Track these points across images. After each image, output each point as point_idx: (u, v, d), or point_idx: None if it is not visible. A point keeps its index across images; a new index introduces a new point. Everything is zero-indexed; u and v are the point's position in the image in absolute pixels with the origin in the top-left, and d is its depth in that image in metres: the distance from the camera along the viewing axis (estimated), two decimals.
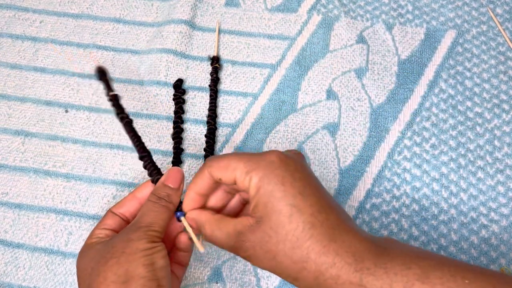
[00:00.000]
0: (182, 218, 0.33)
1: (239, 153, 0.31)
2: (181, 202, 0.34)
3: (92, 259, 0.30)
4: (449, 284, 0.25)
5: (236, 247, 0.29)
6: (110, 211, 0.35)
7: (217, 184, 0.32)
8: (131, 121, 0.36)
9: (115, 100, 0.36)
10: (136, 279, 0.28)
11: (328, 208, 0.28)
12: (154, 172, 0.35)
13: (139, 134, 0.36)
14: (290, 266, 0.27)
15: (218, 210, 0.34)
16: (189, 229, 0.32)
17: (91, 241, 0.33)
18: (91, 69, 0.48)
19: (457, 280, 0.25)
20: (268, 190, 0.28)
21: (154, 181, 0.34)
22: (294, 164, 0.29)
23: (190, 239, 0.33)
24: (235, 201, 0.34)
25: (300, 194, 0.28)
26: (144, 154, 0.35)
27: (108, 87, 0.37)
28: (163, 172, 0.35)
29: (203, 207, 0.33)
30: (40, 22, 0.51)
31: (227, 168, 0.30)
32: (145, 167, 0.35)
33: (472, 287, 0.25)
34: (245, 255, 0.29)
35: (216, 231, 0.30)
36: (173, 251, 0.35)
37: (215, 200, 0.33)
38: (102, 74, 0.37)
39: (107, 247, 0.30)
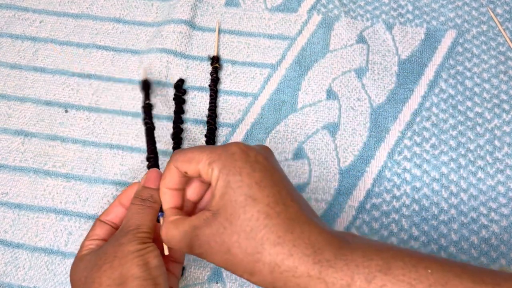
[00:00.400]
0: (161, 219, 0.33)
1: (203, 146, 0.31)
2: None
3: (85, 268, 0.31)
4: (410, 274, 0.24)
5: (191, 244, 0.29)
6: (98, 219, 0.35)
7: (186, 177, 0.32)
8: (153, 128, 0.41)
9: (148, 108, 0.42)
10: (131, 280, 0.28)
11: (288, 199, 0.27)
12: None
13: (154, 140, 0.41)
14: (244, 258, 0.26)
15: (196, 202, 0.33)
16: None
17: (81, 253, 0.33)
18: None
19: (419, 270, 0.24)
20: (226, 181, 0.27)
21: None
22: (255, 155, 0.29)
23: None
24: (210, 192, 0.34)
25: (256, 184, 0.27)
26: (151, 156, 0.38)
27: (147, 97, 0.43)
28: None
29: (181, 202, 0.33)
30: (40, 22, 0.51)
31: (191, 161, 0.29)
32: (148, 167, 0.38)
33: (435, 277, 0.24)
34: (200, 251, 0.29)
35: (171, 230, 0.30)
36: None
37: (191, 192, 0.33)
38: (146, 86, 0.44)
39: (99, 254, 0.31)
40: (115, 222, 0.35)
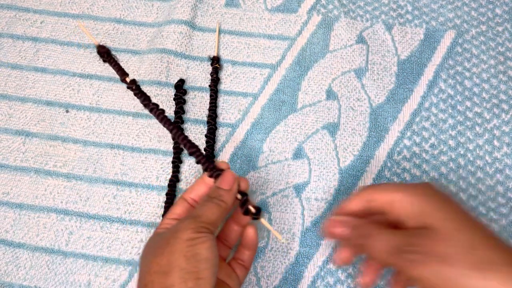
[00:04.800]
0: (262, 220, 0.34)
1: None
2: (258, 208, 0.35)
3: (150, 248, 0.31)
4: None
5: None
6: (181, 197, 0.36)
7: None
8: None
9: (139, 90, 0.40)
10: (175, 270, 0.28)
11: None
12: (207, 165, 0.35)
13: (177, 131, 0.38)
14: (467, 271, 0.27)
15: None
16: (267, 224, 0.34)
17: (157, 231, 0.34)
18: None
19: None
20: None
21: (211, 176, 0.35)
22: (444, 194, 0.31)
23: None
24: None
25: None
26: (193, 150, 0.36)
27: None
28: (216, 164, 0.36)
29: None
30: (41, 23, 0.51)
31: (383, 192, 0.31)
32: (197, 162, 0.36)
33: None
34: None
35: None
36: (238, 249, 0.36)
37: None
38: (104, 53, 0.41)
39: (161, 237, 0.31)
40: (196, 200, 0.35)
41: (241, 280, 0.36)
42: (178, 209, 0.35)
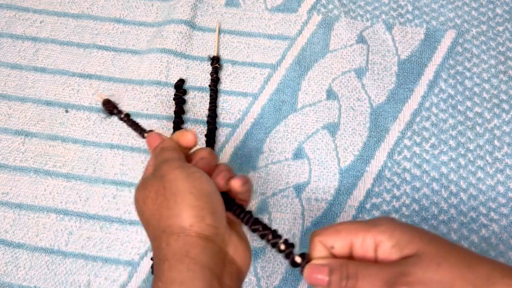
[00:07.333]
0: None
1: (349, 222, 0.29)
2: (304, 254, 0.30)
3: (147, 198, 0.30)
4: None
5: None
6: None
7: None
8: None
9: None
10: (187, 210, 0.28)
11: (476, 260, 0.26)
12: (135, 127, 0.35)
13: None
14: None
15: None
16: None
17: (144, 176, 0.32)
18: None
19: None
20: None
21: (142, 137, 0.35)
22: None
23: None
24: None
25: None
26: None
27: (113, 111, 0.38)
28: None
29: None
30: (41, 22, 0.51)
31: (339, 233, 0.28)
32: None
33: None
34: None
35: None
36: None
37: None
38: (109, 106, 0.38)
39: (152, 183, 0.30)
40: None
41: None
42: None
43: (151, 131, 0.35)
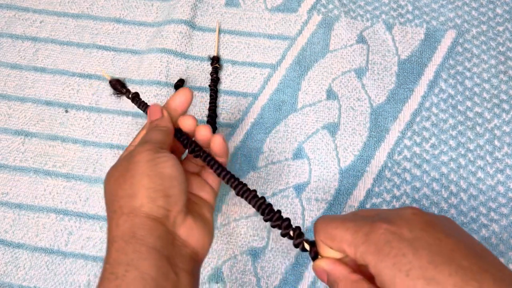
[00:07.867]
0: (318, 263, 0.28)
1: (347, 219, 0.27)
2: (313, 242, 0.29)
3: (112, 176, 0.31)
4: None
5: None
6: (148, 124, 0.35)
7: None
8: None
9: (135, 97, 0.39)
10: (141, 190, 0.28)
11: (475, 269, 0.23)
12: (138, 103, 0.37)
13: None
14: None
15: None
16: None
17: (121, 156, 0.33)
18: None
19: None
20: (388, 267, 0.23)
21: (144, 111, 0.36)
22: (414, 226, 0.25)
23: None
24: None
25: (430, 264, 0.23)
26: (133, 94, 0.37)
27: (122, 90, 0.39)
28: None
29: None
30: (40, 22, 0.51)
31: (333, 239, 0.26)
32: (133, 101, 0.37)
33: None
34: None
35: None
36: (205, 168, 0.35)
37: None
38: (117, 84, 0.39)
39: (120, 164, 0.31)
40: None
41: (215, 189, 0.35)
42: (142, 134, 0.35)
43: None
